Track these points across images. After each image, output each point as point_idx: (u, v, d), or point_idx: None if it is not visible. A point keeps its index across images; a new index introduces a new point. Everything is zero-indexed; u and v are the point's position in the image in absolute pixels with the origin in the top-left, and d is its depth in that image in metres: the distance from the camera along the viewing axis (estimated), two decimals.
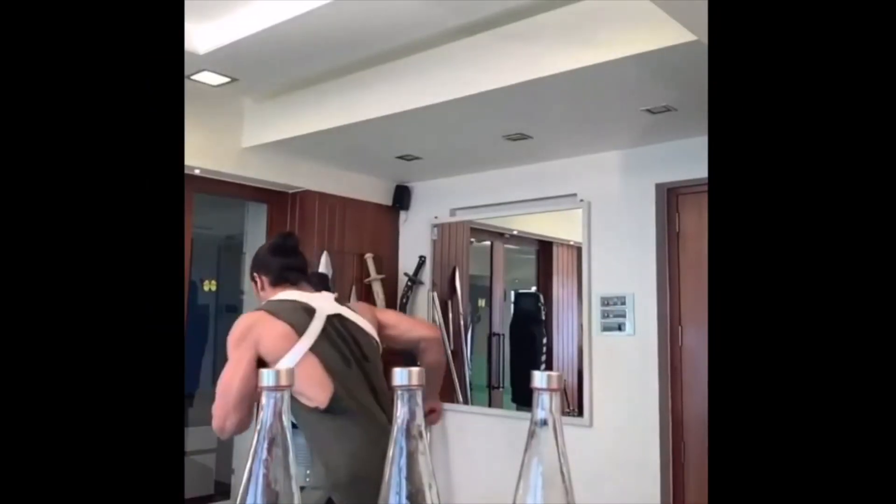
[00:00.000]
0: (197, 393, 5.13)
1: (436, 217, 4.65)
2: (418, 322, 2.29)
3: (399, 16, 2.65)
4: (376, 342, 2.00)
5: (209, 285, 5.55)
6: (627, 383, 3.70)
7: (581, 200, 3.98)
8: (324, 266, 4.27)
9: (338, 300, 2.04)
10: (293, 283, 2.01)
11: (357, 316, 2.00)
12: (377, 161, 4.29)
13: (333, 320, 1.93)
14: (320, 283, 2.26)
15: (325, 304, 1.97)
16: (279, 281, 2.02)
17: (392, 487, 0.68)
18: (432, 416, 2.26)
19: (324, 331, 1.88)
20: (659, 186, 3.72)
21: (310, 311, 1.91)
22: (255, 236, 4.49)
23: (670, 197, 3.78)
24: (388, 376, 1.93)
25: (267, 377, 0.69)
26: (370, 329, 1.99)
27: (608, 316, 3.80)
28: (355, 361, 1.90)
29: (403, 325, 2.16)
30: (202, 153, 3.72)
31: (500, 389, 4.65)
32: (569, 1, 2.71)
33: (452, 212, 4.65)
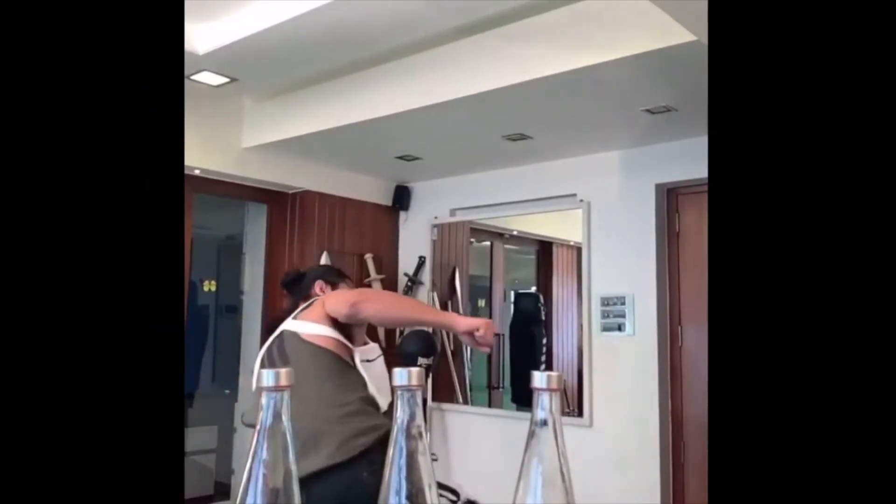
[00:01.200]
0: (197, 393, 5.13)
1: (435, 217, 4.65)
2: (340, 301, 1.94)
3: (399, 16, 2.65)
4: (309, 339, 1.91)
5: (209, 285, 5.54)
6: (627, 383, 3.70)
7: (581, 201, 3.97)
8: None
9: (302, 309, 2.01)
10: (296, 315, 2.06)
11: (297, 322, 1.95)
12: (377, 161, 4.29)
13: (272, 346, 1.97)
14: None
15: (280, 330, 1.99)
16: None
17: (392, 487, 0.68)
18: (482, 336, 1.82)
19: (261, 363, 1.96)
20: (659, 186, 3.72)
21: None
22: (255, 236, 4.49)
23: (670, 197, 3.78)
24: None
25: (266, 378, 0.69)
26: (305, 328, 1.92)
27: (608, 316, 3.80)
28: None
29: (341, 314, 1.92)
30: (202, 153, 3.72)
31: (500, 389, 4.65)
32: (568, 1, 2.71)
33: (452, 212, 4.65)
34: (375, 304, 1.95)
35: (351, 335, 1.98)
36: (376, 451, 1.76)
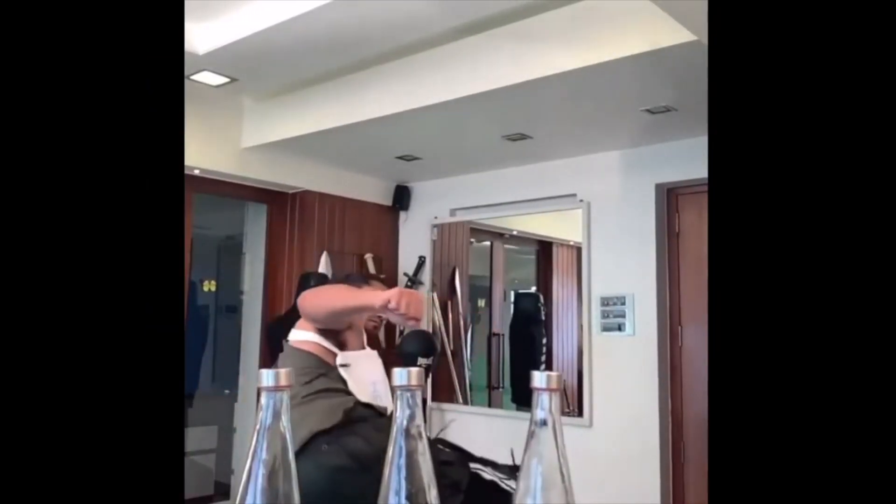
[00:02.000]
0: (197, 393, 5.12)
1: (435, 217, 4.65)
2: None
3: (398, 16, 2.65)
4: (296, 346, 1.97)
5: (209, 285, 5.54)
6: (627, 383, 3.70)
7: (581, 200, 3.97)
8: (323, 266, 4.27)
9: None
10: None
11: (292, 331, 2.01)
12: (377, 161, 4.29)
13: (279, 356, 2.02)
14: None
15: None
16: None
17: (392, 487, 0.68)
18: (395, 306, 1.63)
19: None
20: (659, 186, 3.72)
21: None
22: (255, 236, 4.49)
23: (670, 197, 3.78)
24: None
25: (266, 378, 0.69)
26: (294, 335, 1.98)
27: (608, 316, 3.80)
28: None
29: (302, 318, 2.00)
30: (202, 153, 3.72)
31: (500, 389, 4.65)
32: (568, 1, 2.71)
33: (452, 212, 4.64)
34: (310, 301, 1.92)
35: (341, 340, 1.99)
36: (340, 427, 1.77)
